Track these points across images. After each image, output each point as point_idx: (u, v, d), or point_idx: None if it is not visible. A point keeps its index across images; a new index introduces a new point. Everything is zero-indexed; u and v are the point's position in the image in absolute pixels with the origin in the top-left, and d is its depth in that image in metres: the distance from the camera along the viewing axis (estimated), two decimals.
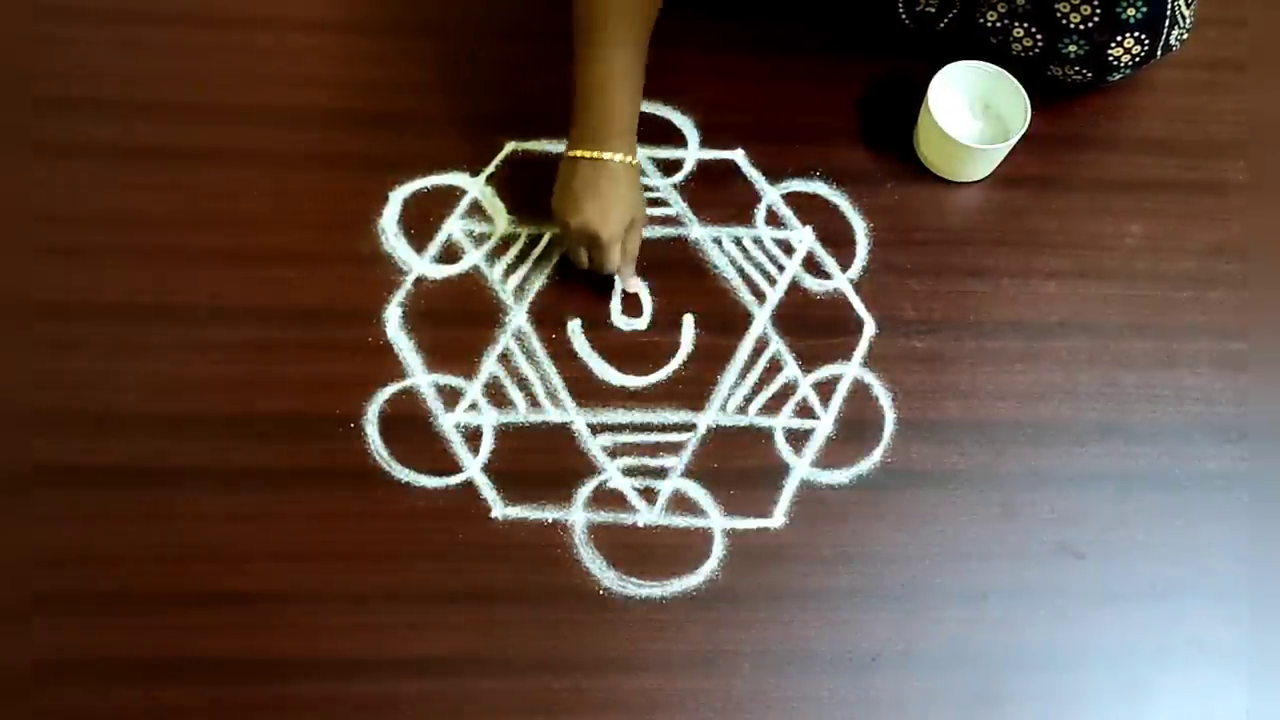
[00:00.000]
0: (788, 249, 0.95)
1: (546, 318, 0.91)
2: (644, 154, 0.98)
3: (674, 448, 0.87)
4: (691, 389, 0.89)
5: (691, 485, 0.86)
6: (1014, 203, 0.99)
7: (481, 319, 0.91)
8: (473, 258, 0.93)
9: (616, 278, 0.91)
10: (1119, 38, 0.94)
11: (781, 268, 0.94)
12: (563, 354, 0.90)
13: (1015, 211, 0.99)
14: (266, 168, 0.95)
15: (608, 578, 0.82)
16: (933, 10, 1.00)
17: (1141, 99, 1.05)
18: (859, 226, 0.97)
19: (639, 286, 0.92)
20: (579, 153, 0.85)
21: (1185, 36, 0.98)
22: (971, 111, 1.00)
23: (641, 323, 0.91)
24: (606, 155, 0.85)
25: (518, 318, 0.91)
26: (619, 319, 0.91)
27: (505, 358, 0.89)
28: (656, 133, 0.99)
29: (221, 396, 0.86)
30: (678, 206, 0.96)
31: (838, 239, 0.96)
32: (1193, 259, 0.98)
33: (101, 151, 0.95)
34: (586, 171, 0.85)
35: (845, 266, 0.95)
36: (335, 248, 0.92)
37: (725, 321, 0.92)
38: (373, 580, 0.81)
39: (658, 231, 0.95)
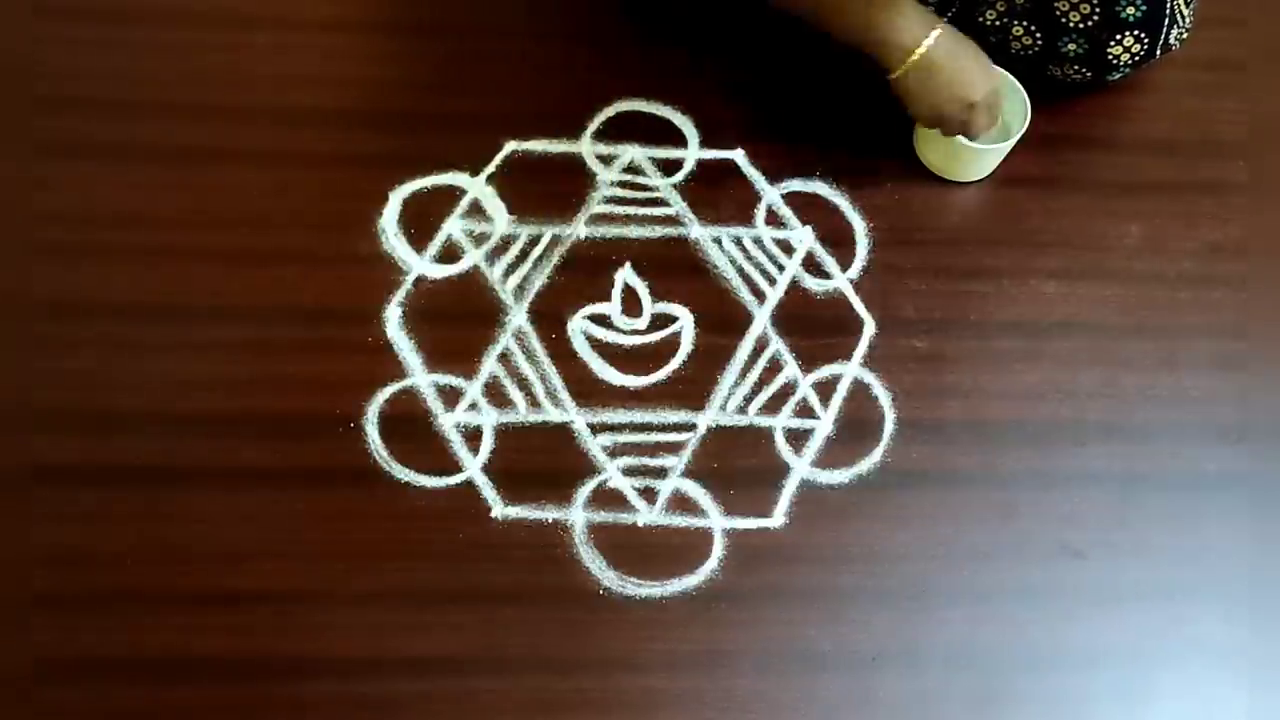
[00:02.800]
0: (788, 249, 0.95)
1: (546, 318, 0.91)
2: (644, 154, 0.98)
3: (674, 447, 0.87)
4: (691, 389, 0.89)
5: (691, 485, 0.85)
6: (1014, 203, 0.99)
7: (481, 319, 0.91)
8: (473, 257, 0.93)
9: None
10: (1118, 36, 0.94)
11: (781, 267, 0.94)
12: (563, 354, 0.90)
13: (1015, 211, 0.99)
14: (266, 168, 0.95)
15: (608, 578, 0.82)
16: (932, 8, 1.00)
17: (1141, 99, 1.05)
18: (859, 226, 0.97)
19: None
20: (900, 72, 0.87)
21: (1184, 36, 0.98)
22: None
23: (641, 322, 0.91)
24: (921, 50, 0.86)
25: (518, 318, 0.91)
26: (619, 319, 0.91)
27: (505, 357, 0.89)
28: (656, 133, 0.99)
29: (221, 396, 0.86)
30: (678, 206, 0.96)
31: (838, 239, 0.96)
32: (1193, 259, 0.98)
33: (101, 151, 0.95)
34: (918, 79, 0.87)
35: (845, 266, 0.95)
36: (335, 248, 0.92)
37: (725, 321, 0.92)
38: (373, 580, 0.81)
39: (658, 231, 0.95)
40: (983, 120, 0.91)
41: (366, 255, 0.92)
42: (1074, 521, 0.86)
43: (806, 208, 0.97)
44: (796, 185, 0.98)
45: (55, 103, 0.96)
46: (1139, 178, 1.01)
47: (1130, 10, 0.93)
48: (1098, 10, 0.92)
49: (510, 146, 0.98)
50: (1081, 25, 0.94)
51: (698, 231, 0.95)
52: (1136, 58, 0.96)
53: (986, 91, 0.89)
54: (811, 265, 0.95)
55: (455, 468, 0.85)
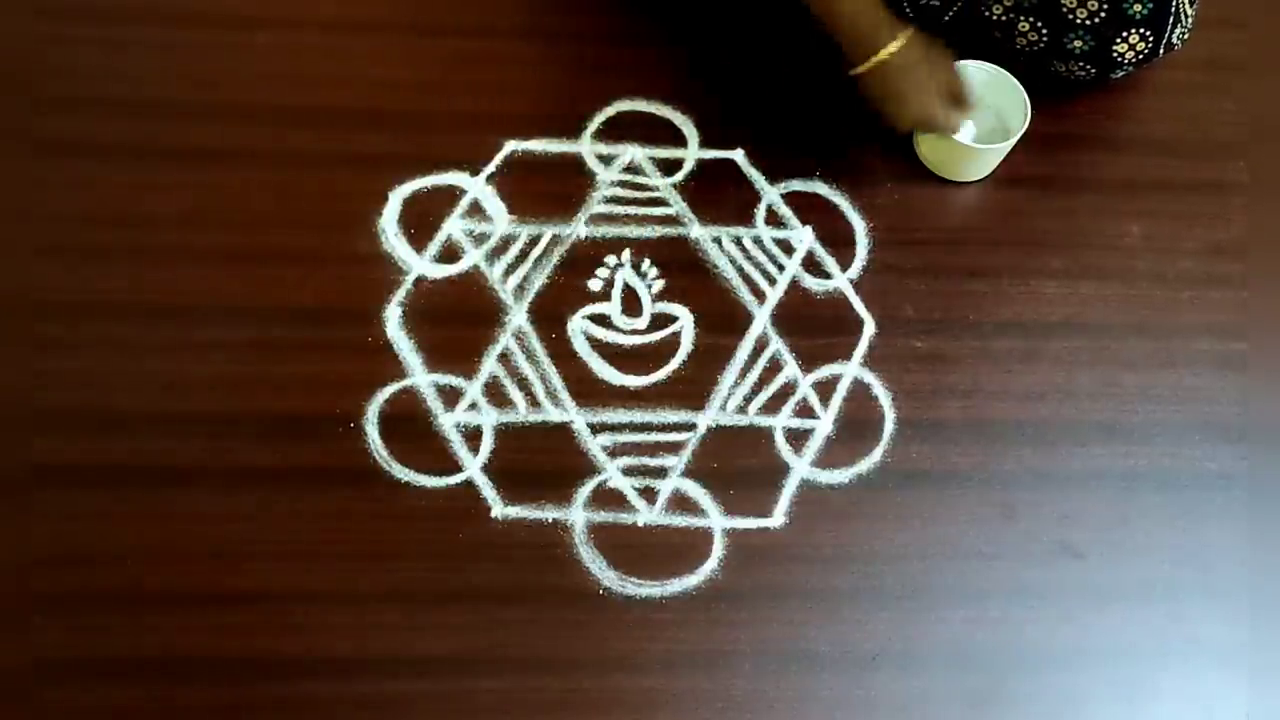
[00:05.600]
0: (788, 249, 0.95)
1: (546, 317, 0.91)
2: (644, 154, 0.98)
3: (674, 447, 0.87)
4: (691, 389, 0.89)
5: (691, 485, 0.86)
6: (1014, 203, 0.99)
7: (481, 319, 0.91)
8: (473, 257, 0.93)
9: None
10: (1124, 33, 0.94)
11: (781, 267, 0.94)
12: (563, 354, 0.90)
13: (1015, 211, 0.99)
14: (266, 168, 0.95)
15: (608, 577, 0.82)
16: (937, 3, 1.00)
17: (1142, 99, 1.05)
18: (859, 226, 0.97)
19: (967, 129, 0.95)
20: (862, 67, 0.89)
21: (1186, 35, 0.98)
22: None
23: (641, 322, 0.91)
24: (888, 49, 0.87)
25: (518, 317, 0.91)
26: (619, 319, 0.91)
27: (505, 357, 0.89)
28: (656, 133, 0.99)
29: (221, 396, 0.86)
30: (678, 206, 0.96)
31: (838, 239, 0.96)
32: (1193, 259, 0.98)
33: (101, 151, 0.95)
34: (880, 79, 0.89)
35: (845, 266, 0.95)
36: (335, 248, 0.92)
37: (725, 321, 0.92)
38: (373, 580, 0.81)
39: (657, 231, 0.95)
40: (948, 118, 0.92)
41: (366, 255, 0.92)
42: (1074, 521, 0.86)
43: (806, 208, 0.97)
44: (796, 185, 0.98)
45: (55, 103, 0.96)
46: (1139, 178, 1.01)
47: (1137, 7, 0.93)
48: (1105, 7, 0.92)
49: (510, 146, 0.98)
50: (1089, 22, 0.94)
51: (698, 231, 0.95)
52: (1140, 55, 0.97)
53: (931, 114, 0.91)
54: (811, 265, 0.95)
55: (455, 468, 0.85)
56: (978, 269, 0.96)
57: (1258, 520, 0.87)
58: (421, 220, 0.94)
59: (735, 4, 1.05)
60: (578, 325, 0.91)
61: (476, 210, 0.95)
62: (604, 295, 0.92)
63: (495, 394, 0.88)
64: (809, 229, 0.96)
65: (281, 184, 0.95)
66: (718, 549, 0.83)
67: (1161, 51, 0.97)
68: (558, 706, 0.78)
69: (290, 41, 1.02)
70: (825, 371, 0.90)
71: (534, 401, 0.88)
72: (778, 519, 0.85)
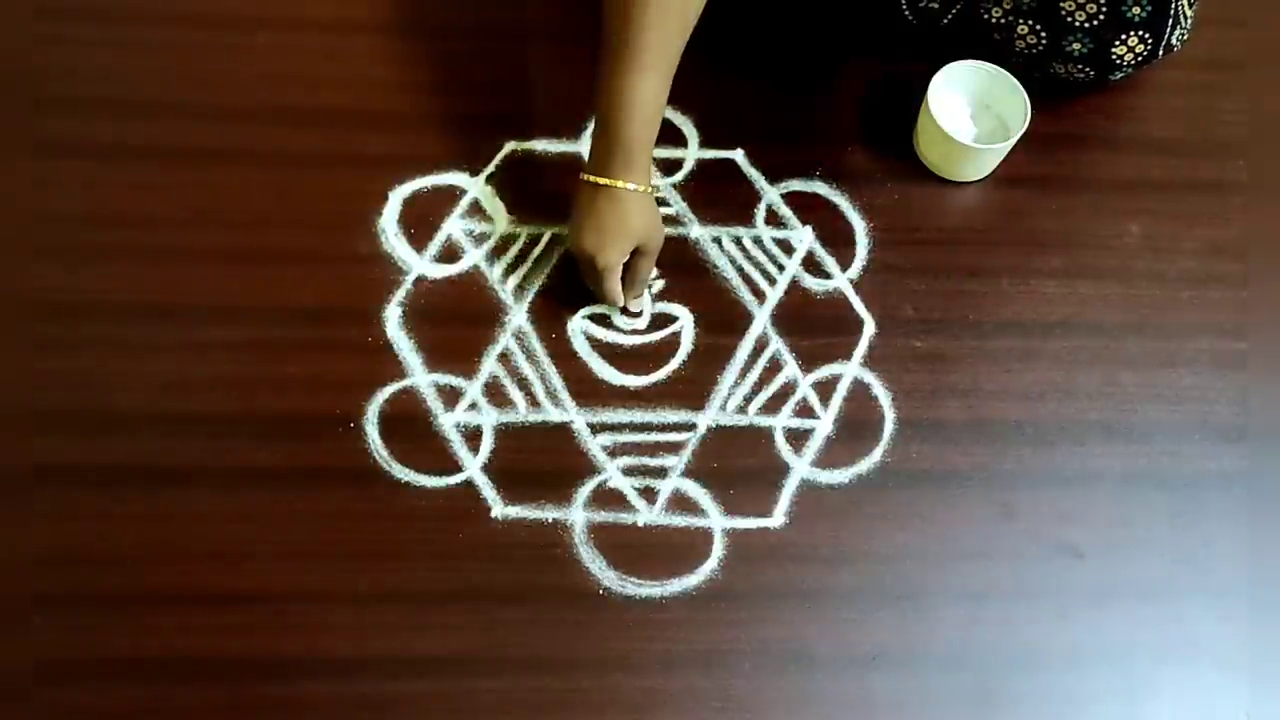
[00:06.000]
0: (788, 249, 0.95)
1: (546, 317, 0.91)
2: None
3: (674, 447, 0.87)
4: (691, 388, 0.89)
5: (691, 485, 0.86)
6: (1014, 203, 0.99)
7: (481, 319, 0.91)
8: (473, 257, 0.93)
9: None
10: (1123, 36, 0.94)
11: (781, 267, 0.94)
12: (563, 354, 0.90)
13: (1015, 211, 0.99)
14: (266, 168, 0.95)
15: (608, 577, 0.82)
16: (936, 6, 1.00)
17: (1141, 99, 1.05)
18: (859, 226, 0.97)
19: (641, 308, 0.91)
20: (589, 177, 0.84)
21: (1186, 37, 0.98)
22: (971, 111, 1.00)
23: (641, 322, 0.91)
24: (618, 183, 0.83)
25: (518, 317, 0.91)
26: (619, 319, 0.91)
27: (505, 357, 0.89)
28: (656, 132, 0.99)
29: (221, 396, 0.86)
30: (677, 206, 0.96)
31: (838, 239, 0.96)
32: (1193, 259, 0.98)
33: (101, 151, 0.95)
34: (591, 197, 0.84)
35: (845, 266, 0.95)
36: (335, 248, 0.92)
37: (725, 321, 0.92)
38: (373, 580, 0.81)
39: None
40: (596, 282, 0.87)
41: (366, 255, 0.92)
42: (1073, 521, 0.86)
43: (806, 208, 0.97)
44: (796, 185, 0.98)
45: (55, 103, 0.96)
46: (1139, 178, 1.01)
47: (1136, 10, 0.93)
48: (1104, 10, 0.92)
49: (510, 146, 0.98)
50: (1087, 25, 0.94)
51: (698, 231, 0.95)
52: (1140, 58, 0.97)
53: (605, 262, 0.85)
54: (811, 265, 0.95)
55: (455, 468, 0.85)
56: (977, 269, 0.96)
57: (1258, 520, 0.87)
58: (421, 220, 0.94)
59: (735, 4, 1.05)
60: (578, 325, 0.91)
61: (476, 210, 0.95)
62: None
63: (495, 394, 0.88)
64: (809, 229, 0.96)
65: (281, 184, 0.95)
66: (718, 549, 0.83)
67: (1161, 53, 0.97)
68: (558, 706, 0.78)
69: (290, 42, 1.02)
70: (825, 371, 0.90)
71: (534, 401, 0.88)
72: (778, 519, 0.85)
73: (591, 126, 0.85)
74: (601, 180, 0.83)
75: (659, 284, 0.93)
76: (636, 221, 0.85)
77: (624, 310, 0.91)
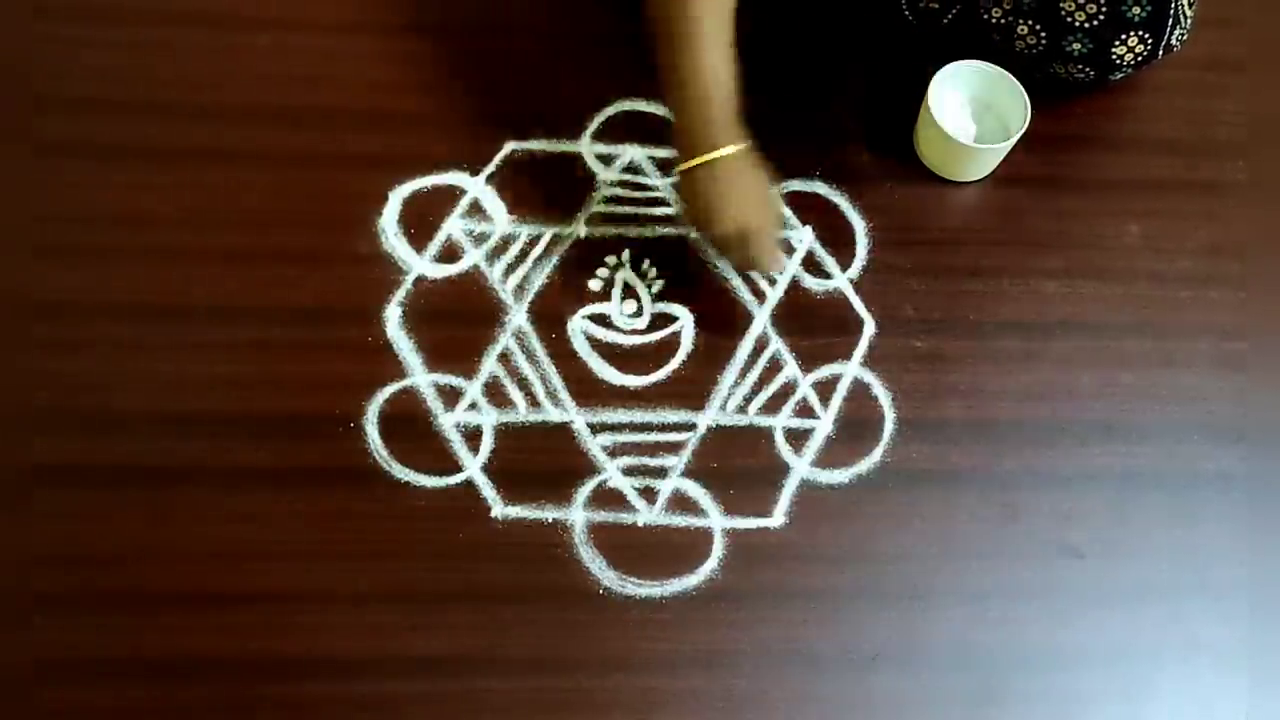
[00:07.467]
0: (788, 249, 0.95)
1: (546, 317, 0.91)
2: (644, 154, 0.98)
3: (674, 447, 0.87)
4: (691, 388, 0.89)
5: (691, 485, 0.86)
6: (1014, 203, 0.99)
7: (481, 319, 0.91)
8: (473, 257, 0.93)
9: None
10: (1123, 36, 0.94)
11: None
12: (563, 354, 0.90)
13: (1015, 211, 0.99)
14: (267, 168, 0.95)
15: (608, 577, 0.82)
16: (936, 6, 1.00)
17: (1141, 99, 1.05)
18: (859, 226, 0.97)
19: (783, 264, 0.91)
20: (692, 161, 0.83)
21: (1185, 37, 0.98)
22: (971, 111, 1.00)
23: (641, 322, 0.91)
24: (720, 151, 0.82)
25: (518, 317, 0.91)
26: (619, 319, 0.91)
27: (505, 357, 0.89)
28: (656, 133, 0.99)
29: (221, 396, 0.86)
30: (678, 206, 0.96)
31: (838, 239, 0.96)
32: (1193, 259, 0.98)
33: (101, 151, 0.95)
34: (707, 177, 0.83)
35: (845, 266, 0.95)
36: (335, 248, 0.92)
37: (725, 321, 0.92)
38: (373, 580, 0.81)
39: (657, 231, 0.95)
40: (755, 250, 0.85)
41: (366, 255, 0.92)
42: (1073, 521, 0.86)
43: (806, 208, 0.97)
44: (796, 185, 0.98)
45: (55, 103, 0.96)
46: (1139, 178, 1.01)
47: (1136, 10, 0.93)
48: (1104, 10, 0.93)
49: (510, 146, 0.98)
50: (1087, 25, 0.94)
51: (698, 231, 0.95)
52: (1139, 58, 0.97)
53: (761, 222, 0.84)
54: (811, 265, 0.95)
55: (455, 468, 0.85)
56: (977, 269, 0.96)
57: (1257, 520, 0.87)
58: (421, 220, 0.94)
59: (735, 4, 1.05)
60: (578, 325, 0.91)
61: (476, 210, 0.95)
62: (604, 295, 0.92)
63: (495, 394, 0.88)
64: (809, 229, 0.96)
65: (281, 184, 0.95)
66: (718, 549, 0.83)
67: (1160, 53, 0.97)
68: (558, 706, 0.78)
69: (290, 42, 1.02)
70: (825, 371, 0.90)
71: (534, 401, 0.88)
72: (778, 519, 0.85)
73: (673, 116, 0.84)
74: (717, 154, 0.82)
75: (659, 284, 0.93)
76: (760, 174, 0.85)
77: (623, 288, 0.90)
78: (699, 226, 0.86)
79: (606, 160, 0.98)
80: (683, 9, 0.80)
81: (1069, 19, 0.94)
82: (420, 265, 0.92)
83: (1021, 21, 0.96)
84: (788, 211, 0.97)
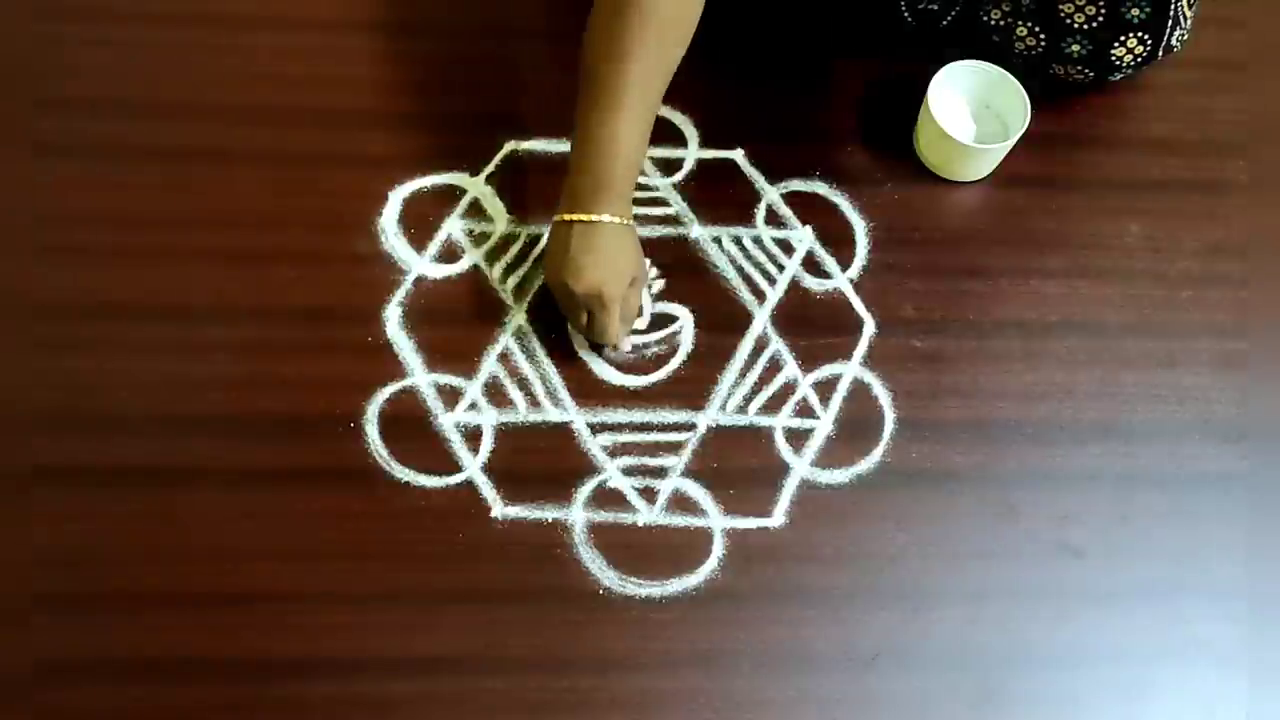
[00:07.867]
0: (788, 248, 0.95)
1: (546, 317, 0.91)
2: None
3: (674, 447, 0.87)
4: (691, 388, 0.89)
5: (691, 485, 0.86)
6: (1014, 203, 0.99)
7: (481, 319, 0.91)
8: (473, 257, 0.93)
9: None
10: (1122, 37, 0.94)
11: (781, 267, 0.94)
12: (563, 354, 0.90)
13: (1015, 211, 0.99)
14: (266, 168, 0.95)
15: (608, 577, 0.82)
16: (935, 8, 1.00)
17: (1141, 99, 1.05)
18: (859, 226, 0.97)
19: (633, 344, 0.90)
20: (573, 216, 0.82)
21: (1185, 37, 0.98)
22: (971, 111, 1.00)
23: (641, 322, 0.91)
24: (604, 218, 0.82)
25: (518, 317, 0.91)
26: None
27: (505, 357, 0.89)
28: (656, 133, 0.98)
29: (221, 396, 0.86)
30: (678, 206, 0.96)
31: (838, 239, 0.96)
32: (1193, 259, 0.98)
33: (102, 151, 0.95)
34: (581, 234, 0.82)
35: (845, 266, 0.95)
36: (335, 248, 0.92)
37: (725, 321, 0.92)
38: (373, 580, 0.81)
39: (657, 231, 0.95)
40: (601, 319, 0.84)
41: (366, 255, 0.92)
42: (1074, 521, 0.86)
43: (806, 208, 0.97)
44: (796, 185, 0.98)
45: (55, 103, 0.96)
46: (1139, 178, 1.01)
47: (1135, 12, 0.93)
48: (1103, 12, 0.92)
49: (510, 146, 0.98)
50: (1086, 26, 0.94)
51: (698, 231, 0.95)
52: (1139, 59, 0.97)
53: (612, 292, 0.83)
54: (811, 265, 0.95)
55: (455, 468, 0.85)
56: (977, 269, 0.96)
57: (1257, 520, 0.87)
58: (421, 220, 0.94)
59: (735, 4, 1.05)
60: None
61: (476, 210, 0.95)
62: None
63: (495, 394, 0.88)
64: (809, 229, 0.96)
65: (281, 184, 0.95)
66: (718, 549, 0.83)
67: (1160, 54, 0.97)
68: (558, 706, 0.78)
69: (290, 42, 1.02)
70: (825, 371, 0.90)
71: (534, 401, 0.88)
72: (778, 519, 0.85)
73: (571, 165, 0.83)
74: (591, 217, 0.82)
75: (659, 284, 0.93)
76: (634, 252, 0.85)
77: (615, 348, 0.89)
78: (551, 277, 0.85)
79: None
80: (619, 66, 0.78)
81: (1068, 21, 0.94)
82: (420, 265, 0.92)
83: (1021, 23, 0.96)
84: (788, 211, 0.97)
